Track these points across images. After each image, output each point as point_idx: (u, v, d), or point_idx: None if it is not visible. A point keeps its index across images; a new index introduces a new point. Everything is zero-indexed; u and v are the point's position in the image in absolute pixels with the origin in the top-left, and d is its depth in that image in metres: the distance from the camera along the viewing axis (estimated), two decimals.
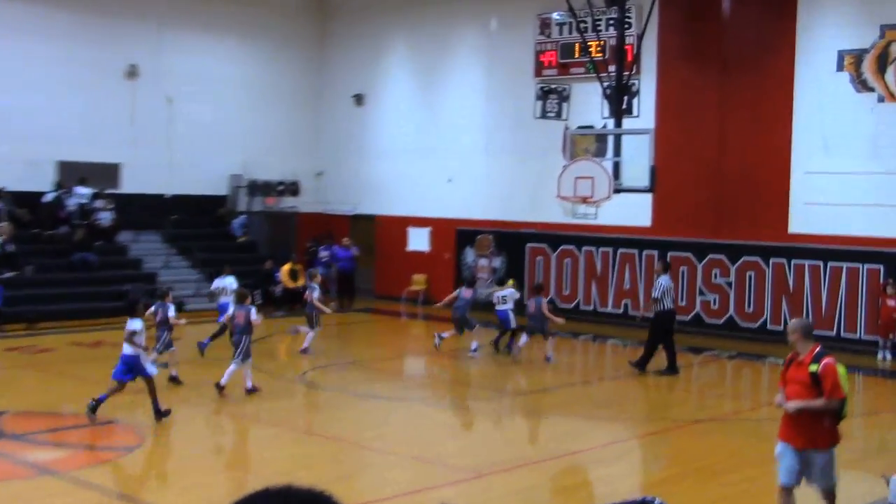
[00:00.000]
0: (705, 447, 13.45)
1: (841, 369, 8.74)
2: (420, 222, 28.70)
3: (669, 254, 23.39)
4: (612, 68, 22.39)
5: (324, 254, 28.26)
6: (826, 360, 8.56)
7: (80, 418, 13.54)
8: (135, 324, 13.44)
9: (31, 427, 13.52)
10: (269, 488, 2.26)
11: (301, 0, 30.52)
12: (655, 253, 23.66)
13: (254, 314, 15.62)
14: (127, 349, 13.39)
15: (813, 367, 8.55)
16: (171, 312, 16.32)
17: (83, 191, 25.74)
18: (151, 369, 13.65)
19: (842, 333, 21.11)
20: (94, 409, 13.29)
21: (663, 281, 18.21)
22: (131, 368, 13.39)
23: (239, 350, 15.33)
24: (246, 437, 14.34)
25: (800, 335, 8.82)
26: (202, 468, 12.13)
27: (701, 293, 23.10)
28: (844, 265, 21.18)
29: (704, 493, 11.09)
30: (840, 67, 21.23)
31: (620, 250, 24.59)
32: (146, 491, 11.30)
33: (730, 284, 22.79)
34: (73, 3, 26.18)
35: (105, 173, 26.90)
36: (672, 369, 17.96)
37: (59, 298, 23.51)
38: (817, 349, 8.73)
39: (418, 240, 28.82)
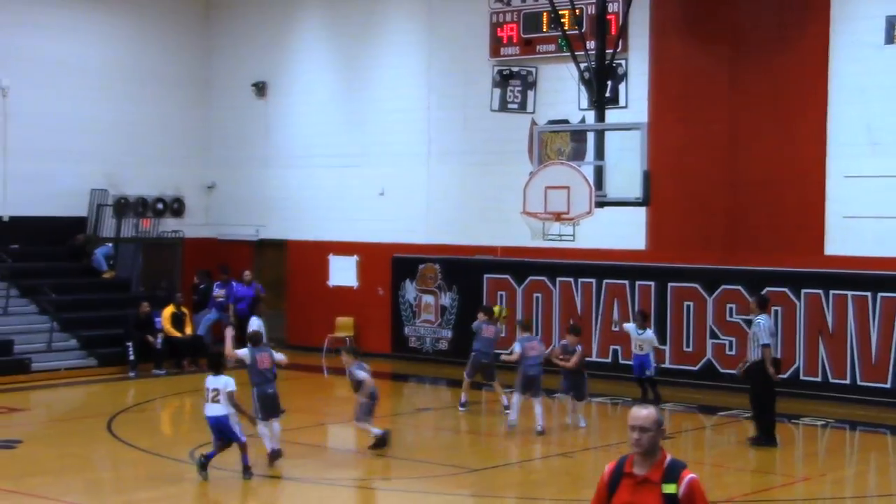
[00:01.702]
0: None
1: None
2: (345, 249, 28.32)
3: (670, 284, 23.12)
4: (591, 45, 21.98)
5: (218, 292, 27.62)
6: (689, 476, 6.76)
7: None
8: (226, 382, 15.06)
9: None
10: None
11: None
12: (652, 284, 23.38)
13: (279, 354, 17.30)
14: (216, 409, 15.10)
15: (669, 488, 6.74)
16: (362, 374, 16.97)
17: None
18: (241, 434, 15.24)
19: None
20: (204, 465, 15.15)
21: (764, 321, 17.84)
22: (221, 431, 15.14)
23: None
24: None
25: (656, 433, 6.86)
26: None
27: (713, 335, 22.68)
28: None
29: None
30: (890, 39, 20.91)
31: (607, 281, 24.20)
32: None
33: (750, 323, 22.42)
34: None
35: None
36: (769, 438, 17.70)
37: None
38: (668, 458, 6.88)
39: (343, 272, 28.47)
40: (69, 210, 28.47)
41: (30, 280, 26.70)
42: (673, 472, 6.70)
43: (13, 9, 27.49)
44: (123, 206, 28.83)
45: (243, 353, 16.71)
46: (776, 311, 22.06)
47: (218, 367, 15.38)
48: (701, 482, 6.69)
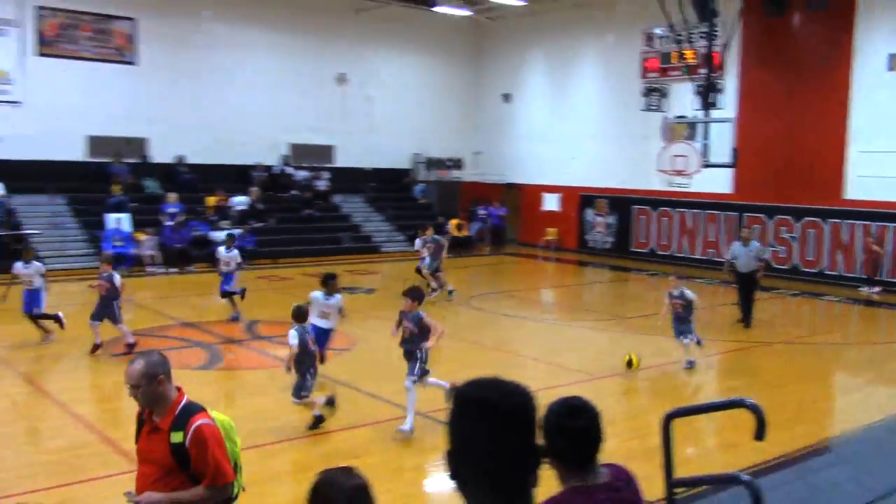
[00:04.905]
0: (774, 364, 12.87)
1: (225, 425, 4.12)
2: (552, 189, 28.32)
3: (745, 214, 22.58)
4: (702, 71, 21.42)
5: (482, 212, 28.29)
6: (197, 423, 3.88)
7: None
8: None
9: (275, 332, 13.78)
10: (482, 379, 2.16)
11: (462, 24, 30.21)
12: (735, 214, 22.87)
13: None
14: (325, 323, 10.51)
15: (176, 437, 3.85)
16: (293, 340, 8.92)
17: (302, 173, 26.42)
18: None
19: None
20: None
21: (760, 244, 16.40)
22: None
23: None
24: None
25: (149, 385, 3.90)
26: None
27: (771, 245, 22.13)
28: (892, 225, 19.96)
29: (771, 399, 10.63)
30: (890, 67, 19.83)
31: (706, 212, 23.71)
32: (362, 379, 11.04)
33: (794, 238, 21.80)
34: (297, 28, 26.65)
35: (322, 153, 27.41)
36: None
37: (293, 242, 24.05)
38: (183, 401, 3.97)
39: (551, 202, 28.43)
40: (400, 164, 29.16)
41: (380, 203, 27.56)
42: (181, 420, 3.89)
43: (373, 52, 27.97)
44: (429, 163, 29.43)
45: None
46: (811, 233, 21.38)
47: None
48: (213, 427, 3.93)
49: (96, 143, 23.37)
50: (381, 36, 28.24)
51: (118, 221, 21.77)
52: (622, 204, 25.98)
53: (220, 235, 22.69)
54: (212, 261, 22.13)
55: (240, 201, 24.04)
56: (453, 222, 26.76)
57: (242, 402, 10.15)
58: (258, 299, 17.89)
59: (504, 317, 16.32)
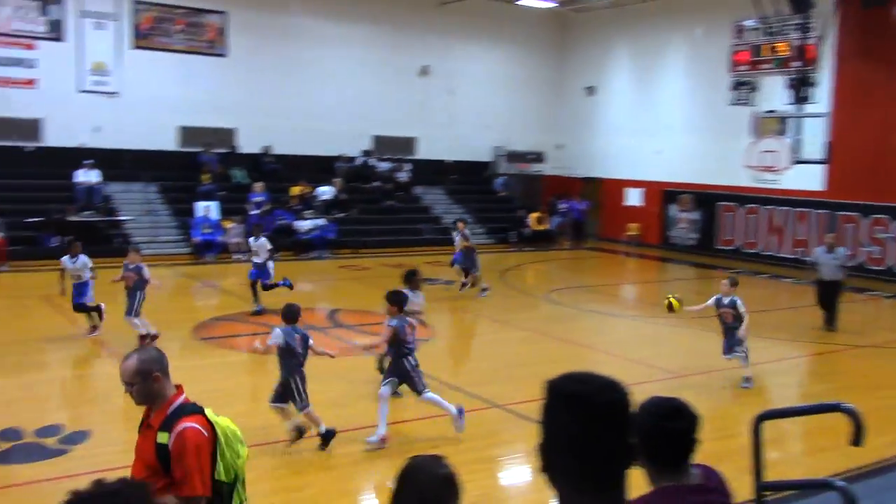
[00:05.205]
0: (864, 368, 12.41)
1: (227, 433, 3.73)
2: (635, 184, 27.89)
3: (838, 213, 21.78)
4: (795, 64, 20.74)
5: (562, 206, 28.11)
6: (182, 426, 3.61)
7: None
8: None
9: (356, 320, 14.14)
10: (572, 373, 2.13)
11: (545, 16, 29.97)
12: (826, 212, 22.09)
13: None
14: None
15: (162, 438, 3.63)
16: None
17: (384, 165, 26.70)
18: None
19: None
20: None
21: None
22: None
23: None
24: (501, 338, 14.18)
25: (143, 383, 3.73)
26: (480, 355, 12.38)
27: (866, 245, 21.25)
28: None
29: (863, 403, 10.19)
30: None
31: (796, 209, 22.98)
32: (440, 369, 10.96)
33: (892, 238, 20.89)
34: (381, 21, 26.86)
35: (404, 144, 27.65)
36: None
37: (374, 232, 24.35)
38: (178, 401, 3.74)
39: (633, 197, 28.01)
40: (481, 157, 29.13)
41: (460, 195, 27.49)
42: (171, 421, 3.64)
43: (456, 45, 28.04)
44: (511, 156, 29.31)
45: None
46: None
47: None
48: (199, 433, 3.59)
49: (187, 134, 24.15)
50: (465, 29, 28.24)
51: (207, 209, 22.51)
52: (707, 200, 25.39)
53: (304, 225, 23.20)
54: (295, 249, 22.65)
55: (324, 191, 24.46)
56: (534, 216, 26.68)
57: (320, 388, 10.29)
58: (339, 288, 18.24)
59: (584, 312, 16.22)
